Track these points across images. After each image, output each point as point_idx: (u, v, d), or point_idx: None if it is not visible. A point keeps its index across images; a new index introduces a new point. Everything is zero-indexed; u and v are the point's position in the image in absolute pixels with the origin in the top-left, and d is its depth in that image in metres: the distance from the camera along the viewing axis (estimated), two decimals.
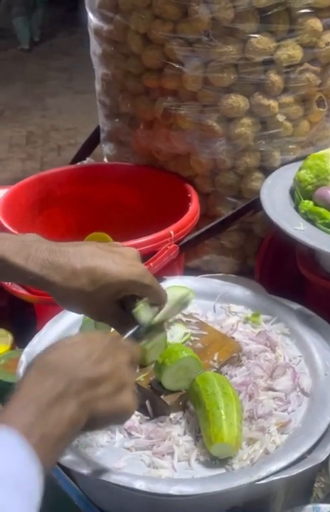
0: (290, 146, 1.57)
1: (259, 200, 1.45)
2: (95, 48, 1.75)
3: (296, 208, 1.43)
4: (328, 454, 0.93)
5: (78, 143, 2.85)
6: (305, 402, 1.03)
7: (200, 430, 0.96)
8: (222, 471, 0.92)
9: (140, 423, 0.99)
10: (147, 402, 1.00)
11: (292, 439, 0.96)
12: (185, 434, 0.98)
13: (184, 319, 1.16)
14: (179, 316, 1.17)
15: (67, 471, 0.96)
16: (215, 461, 0.93)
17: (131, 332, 0.91)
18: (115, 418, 0.79)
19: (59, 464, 0.90)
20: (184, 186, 1.64)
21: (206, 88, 1.49)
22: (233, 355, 1.09)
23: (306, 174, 1.44)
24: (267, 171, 1.59)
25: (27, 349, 1.12)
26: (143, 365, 1.03)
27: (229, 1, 1.38)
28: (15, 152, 4.18)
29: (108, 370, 0.76)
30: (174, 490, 0.86)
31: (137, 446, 0.96)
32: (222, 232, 1.65)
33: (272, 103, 1.48)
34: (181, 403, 1.01)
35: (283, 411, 1.01)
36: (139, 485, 0.87)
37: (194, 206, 1.55)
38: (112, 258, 0.89)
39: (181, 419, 1.00)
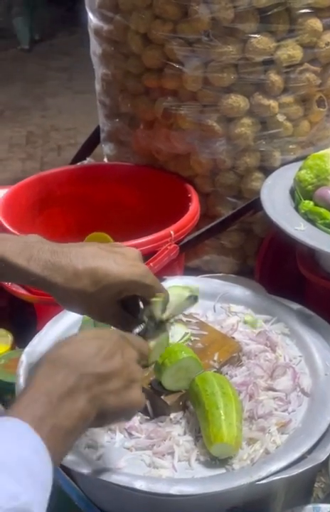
0: (290, 146, 1.57)
1: (260, 200, 1.45)
2: (95, 48, 1.75)
3: (297, 208, 1.43)
4: (328, 454, 0.93)
5: (78, 143, 2.85)
6: (305, 402, 1.03)
7: (200, 430, 0.96)
8: (223, 471, 0.92)
9: (140, 423, 0.99)
10: (147, 402, 1.00)
11: (292, 439, 0.96)
12: (185, 434, 0.98)
13: (184, 319, 1.16)
14: (179, 316, 1.18)
15: (67, 471, 0.96)
16: (216, 461, 0.93)
17: (139, 329, 0.92)
18: (123, 413, 0.80)
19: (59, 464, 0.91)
20: (184, 186, 1.64)
21: (206, 88, 1.49)
22: (233, 355, 1.09)
23: (307, 174, 1.44)
24: (267, 171, 1.59)
25: (27, 349, 1.12)
26: (145, 365, 1.03)
27: (229, 1, 1.38)
28: (15, 152, 4.18)
29: (118, 365, 0.77)
30: (174, 490, 0.86)
31: (137, 446, 0.96)
32: (222, 232, 1.65)
33: (272, 103, 1.48)
34: (181, 403, 1.01)
35: (283, 411, 1.01)
36: (140, 485, 0.87)
37: (194, 206, 1.55)
38: (113, 258, 0.89)
39: (181, 419, 1.00)
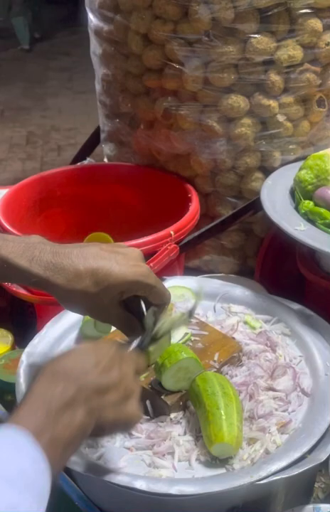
0: (290, 146, 1.57)
1: (260, 201, 1.45)
2: (95, 48, 1.75)
3: (297, 208, 1.43)
4: (328, 454, 0.93)
5: (78, 143, 2.85)
6: (305, 402, 1.03)
7: (200, 430, 0.97)
8: (223, 470, 0.92)
9: (140, 423, 0.99)
10: (148, 402, 1.00)
11: (293, 439, 0.96)
12: (185, 434, 0.98)
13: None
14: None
15: (67, 471, 0.96)
16: (216, 460, 0.93)
17: (136, 343, 0.92)
18: (121, 426, 0.80)
19: None
20: (184, 186, 1.64)
21: (206, 88, 1.49)
22: (234, 355, 1.09)
23: (307, 174, 1.44)
24: (267, 171, 1.59)
25: (27, 349, 1.12)
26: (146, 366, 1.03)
27: (229, 2, 1.38)
28: (15, 152, 4.18)
29: (116, 378, 0.77)
30: (175, 490, 0.86)
31: (138, 446, 0.96)
32: (222, 233, 1.65)
33: (272, 103, 1.48)
34: (181, 403, 1.01)
35: (283, 411, 1.01)
36: (140, 485, 0.87)
37: (194, 206, 1.55)
38: (115, 259, 0.89)
39: (181, 419, 1.00)
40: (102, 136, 1.91)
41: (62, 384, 0.72)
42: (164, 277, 1.28)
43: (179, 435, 0.97)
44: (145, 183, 1.75)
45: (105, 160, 1.95)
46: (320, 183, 1.42)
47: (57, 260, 0.87)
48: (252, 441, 0.95)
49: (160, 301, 0.95)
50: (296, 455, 0.91)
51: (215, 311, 1.25)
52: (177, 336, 1.10)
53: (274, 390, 1.04)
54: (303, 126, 1.55)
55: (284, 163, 1.59)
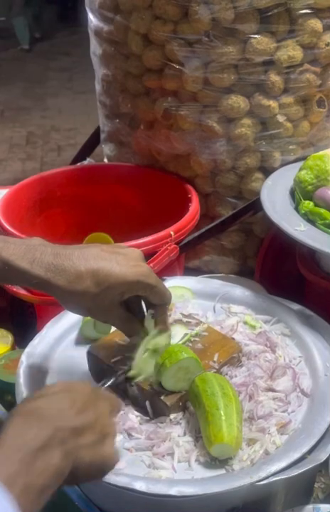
0: (290, 147, 1.57)
1: (260, 201, 1.45)
2: (95, 48, 1.75)
3: (297, 209, 1.43)
4: (328, 455, 0.93)
5: (78, 143, 2.85)
6: (305, 403, 1.03)
7: (200, 431, 0.96)
8: (223, 471, 0.92)
9: (140, 424, 0.99)
10: (147, 403, 1.00)
11: (292, 439, 0.96)
12: (185, 434, 0.98)
13: (184, 320, 1.16)
14: (179, 316, 1.18)
15: None
16: (215, 461, 0.93)
17: (110, 382, 0.93)
18: (97, 469, 0.77)
19: None
20: (184, 187, 1.64)
21: (206, 89, 1.49)
22: (233, 356, 1.09)
23: (307, 175, 1.44)
24: (267, 171, 1.59)
25: (27, 349, 1.12)
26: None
27: (229, 2, 1.38)
28: (15, 152, 4.18)
29: (91, 419, 0.75)
30: (174, 491, 0.86)
31: (137, 446, 0.96)
32: (222, 233, 1.65)
33: (272, 104, 1.48)
34: (180, 404, 1.01)
35: (283, 411, 1.01)
36: (139, 486, 0.87)
37: (194, 207, 1.55)
38: (115, 259, 0.89)
39: (181, 419, 1.00)
40: (102, 136, 1.91)
41: (36, 426, 0.69)
42: (164, 277, 1.28)
43: (179, 436, 0.97)
44: (145, 184, 1.75)
45: (105, 160, 1.95)
46: (320, 184, 1.42)
47: (58, 262, 0.87)
48: (251, 441, 0.95)
49: (161, 301, 0.96)
50: (296, 456, 0.91)
51: (214, 311, 1.25)
52: (177, 336, 1.10)
53: (273, 390, 1.04)
54: (303, 126, 1.55)
55: (284, 164, 1.59)
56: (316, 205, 1.40)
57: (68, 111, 4.91)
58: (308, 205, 1.40)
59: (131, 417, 1.00)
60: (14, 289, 1.38)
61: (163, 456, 0.95)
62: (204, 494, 0.86)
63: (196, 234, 1.56)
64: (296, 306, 1.24)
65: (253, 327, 1.18)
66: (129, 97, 1.67)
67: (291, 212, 1.42)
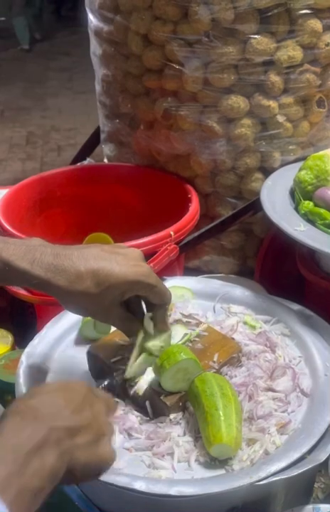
0: (290, 147, 1.57)
1: (260, 201, 1.45)
2: (95, 48, 1.75)
3: (296, 209, 1.43)
4: (328, 455, 0.93)
5: (78, 143, 2.85)
6: (305, 403, 1.03)
7: (199, 431, 0.97)
8: (222, 471, 0.92)
9: (140, 424, 0.99)
10: (147, 403, 1.00)
11: (292, 439, 0.96)
12: (185, 434, 0.98)
13: (184, 320, 1.16)
14: (179, 316, 1.18)
15: None
16: (215, 461, 0.93)
17: (106, 383, 0.93)
18: (93, 469, 0.76)
19: None
20: (184, 187, 1.64)
21: (206, 89, 1.49)
22: (233, 356, 1.09)
23: (306, 175, 1.44)
24: (267, 171, 1.59)
25: (27, 349, 1.12)
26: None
27: (229, 2, 1.38)
28: (15, 152, 4.19)
29: (87, 419, 0.74)
30: (174, 490, 0.86)
31: (137, 446, 0.96)
32: (222, 233, 1.65)
33: (272, 104, 1.48)
34: (180, 404, 1.01)
35: (283, 412, 1.01)
36: (139, 485, 0.87)
37: (194, 207, 1.55)
38: (115, 259, 0.89)
39: (180, 419, 1.00)
40: (102, 136, 1.91)
41: (31, 426, 0.68)
42: (164, 277, 1.28)
43: (179, 436, 0.97)
44: (145, 184, 1.75)
45: (105, 160, 1.96)
46: (320, 184, 1.42)
47: (58, 262, 0.87)
48: (251, 441, 0.95)
49: (161, 301, 0.96)
50: (296, 456, 0.91)
51: (214, 311, 1.25)
52: (177, 336, 1.10)
53: (273, 390, 1.04)
54: (303, 126, 1.55)
55: (283, 164, 1.59)
56: (315, 205, 1.40)
57: (68, 111, 4.91)
58: (308, 205, 1.40)
59: (131, 417, 1.00)
60: (14, 289, 1.38)
61: (163, 456, 0.95)
62: (204, 494, 0.86)
63: (196, 234, 1.56)
64: (296, 306, 1.24)
65: (253, 327, 1.18)
66: (129, 97, 1.67)
67: (291, 213, 1.42)
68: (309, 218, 1.38)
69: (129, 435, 0.98)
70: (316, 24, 1.42)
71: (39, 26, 7.19)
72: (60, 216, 1.78)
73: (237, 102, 1.48)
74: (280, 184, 1.52)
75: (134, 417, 0.99)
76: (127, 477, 0.89)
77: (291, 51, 1.43)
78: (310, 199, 1.42)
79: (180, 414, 1.00)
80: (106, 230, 1.67)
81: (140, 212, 1.77)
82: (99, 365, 1.07)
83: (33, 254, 0.88)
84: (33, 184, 1.73)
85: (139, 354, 1.00)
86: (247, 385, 1.03)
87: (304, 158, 1.51)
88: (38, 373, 1.08)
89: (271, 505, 0.97)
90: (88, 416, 0.75)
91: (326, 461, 0.94)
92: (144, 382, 1.01)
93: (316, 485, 1.17)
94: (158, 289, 0.92)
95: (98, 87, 1.82)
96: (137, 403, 1.01)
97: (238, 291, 1.28)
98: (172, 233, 1.43)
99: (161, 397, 0.99)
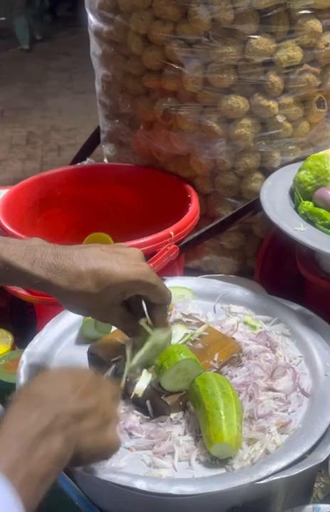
0: (290, 147, 1.57)
1: (259, 201, 1.45)
2: (95, 48, 1.75)
3: (296, 209, 1.43)
4: (328, 454, 0.93)
5: (78, 143, 2.86)
6: (305, 403, 1.04)
7: (200, 430, 0.97)
8: (223, 470, 0.92)
9: (140, 423, 0.99)
10: (148, 402, 1.00)
11: (292, 439, 0.96)
12: (185, 434, 0.98)
13: (184, 320, 1.17)
14: (179, 316, 1.18)
15: (67, 471, 0.96)
16: (216, 461, 0.93)
17: (111, 369, 0.93)
18: (99, 454, 0.77)
19: None
20: (184, 187, 1.64)
21: (206, 89, 1.49)
22: (233, 356, 1.09)
23: (306, 175, 1.44)
24: (266, 171, 1.59)
25: (27, 349, 1.12)
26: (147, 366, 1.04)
27: (229, 2, 1.38)
28: (15, 152, 4.19)
29: (93, 404, 0.75)
30: (175, 490, 0.86)
31: (138, 446, 0.96)
32: (222, 233, 1.66)
33: (272, 104, 1.48)
34: (181, 403, 1.01)
35: (283, 411, 1.01)
36: (140, 485, 0.87)
37: (194, 207, 1.55)
38: (116, 259, 0.89)
39: (181, 419, 1.00)
40: (102, 136, 1.91)
41: (37, 411, 0.69)
42: (164, 278, 1.28)
43: (179, 435, 0.97)
44: (145, 184, 1.75)
45: (105, 160, 1.96)
46: (320, 184, 1.42)
47: (59, 262, 0.88)
48: (251, 441, 0.95)
49: (161, 301, 0.96)
50: (296, 455, 0.92)
51: (215, 311, 1.25)
52: (177, 336, 1.10)
53: (274, 390, 1.04)
54: (302, 126, 1.55)
55: (283, 164, 1.59)
56: (315, 205, 1.40)
57: (68, 111, 4.92)
58: (307, 205, 1.40)
59: (132, 416, 1.00)
60: (14, 289, 1.38)
61: (164, 455, 0.95)
62: (204, 493, 0.86)
63: (196, 234, 1.56)
64: (296, 307, 1.24)
65: (253, 327, 1.19)
66: (128, 98, 1.68)
67: (290, 213, 1.42)
68: (309, 218, 1.39)
69: (130, 434, 0.98)
70: (315, 24, 1.42)
71: (39, 26, 7.19)
72: (60, 216, 1.79)
73: (237, 102, 1.48)
74: (280, 184, 1.52)
75: (134, 417, 1.00)
76: (128, 476, 0.89)
77: (291, 51, 1.43)
78: (310, 199, 1.42)
79: (180, 414, 1.00)
80: (106, 230, 1.67)
81: (140, 212, 1.77)
82: (100, 364, 1.07)
83: (34, 254, 0.88)
84: (33, 184, 1.73)
85: (135, 354, 1.00)
86: (248, 384, 1.04)
87: (303, 159, 1.52)
88: (39, 373, 1.07)
89: (271, 505, 0.97)
90: (94, 401, 0.75)
91: (326, 461, 0.94)
92: (144, 382, 1.01)
93: (316, 485, 1.17)
94: (159, 289, 0.93)
95: (98, 87, 1.82)
96: (138, 402, 1.02)
97: (238, 291, 1.28)
98: (172, 233, 1.43)
99: (162, 397, 0.99)
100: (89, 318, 1.12)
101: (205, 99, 1.51)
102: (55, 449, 0.68)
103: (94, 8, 1.66)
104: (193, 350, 1.04)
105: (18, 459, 0.64)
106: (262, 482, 0.88)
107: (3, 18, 7.23)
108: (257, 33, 1.41)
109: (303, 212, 1.39)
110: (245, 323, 1.20)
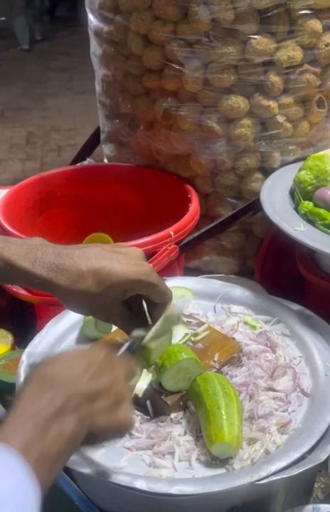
0: (290, 147, 1.57)
1: (259, 201, 1.45)
2: (95, 48, 1.75)
3: (296, 209, 1.43)
4: (328, 454, 0.93)
5: (78, 143, 2.86)
6: (305, 403, 1.04)
7: (200, 430, 0.97)
8: (223, 470, 0.92)
9: (141, 423, 1.00)
10: (148, 402, 1.00)
11: (292, 439, 0.96)
12: (185, 433, 0.98)
13: (185, 320, 1.17)
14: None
15: (67, 471, 0.96)
16: (216, 460, 0.93)
17: (126, 346, 0.92)
18: (113, 433, 0.78)
19: None
20: (184, 187, 1.64)
21: (206, 89, 1.50)
22: (234, 356, 1.09)
23: (306, 175, 1.44)
24: (267, 171, 1.59)
25: (28, 349, 1.12)
26: (146, 366, 1.03)
27: (229, 2, 1.38)
28: (15, 152, 4.19)
29: (106, 384, 0.75)
30: (175, 489, 0.86)
31: (138, 445, 0.96)
32: (222, 233, 1.66)
33: (272, 104, 1.48)
34: (181, 403, 1.01)
35: (283, 411, 1.01)
36: (140, 484, 0.87)
37: (194, 207, 1.55)
38: (116, 258, 0.89)
39: (181, 419, 1.00)
40: (102, 136, 1.91)
41: (50, 392, 0.70)
42: (164, 278, 1.28)
43: (179, 435, 0.97)
44: (145, 184, 1.75)
45: (105, 160, 1.96)
46: (320, 184, 1.42)
47: (60, 261, 0.88)
48: (252, 441, 0.95)
49: (162, 300, 0.96)
50: (296, 455, 0.92)
51: (215, 311, 1.25)
52: (177, 336, 1.10)
53: (274, 390, 1.04)
54: (302, 126, 1.55)
55: (283, 164, 1.59)
56: (315, 205, 1.40)
57: (68, 111, 4.92)
58: (307, 205, 1.40)
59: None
60: (14, 289, 1.38)
61: (164, 455, 0.95)
62: (204, 493, 0.86)
63: (196, 234, 1.56)
64: (296, 307, 1.24)
65: (253, 327, 1.19)
66: (129, 98, 1.68)
67: (290, 213, 1.42)
68: (309, 218, 1.39)
69: (130, 434, 0.98)
70: (315, 24, 1.42)
71: (39, 26, 7.19)
72: (60, 216, 1.79)
73: (237, 102, 1.48)
74: (280, 184, 1.52)
75: (134, 417, 1.00)
76: (128, 476, 0.89)
77: (291, 51, 1.43)
78: (310, 199, 1.42)
79: (180, 414, 1.01)
80: (106, 230, 1.67)
81: (140, 213, 1.77)
82: None
83: (35, 253, 0.89)
84: (33, 184, 1.73)
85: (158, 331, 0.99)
86: (248, 384, 1.04)
87: (303, 159, 1.52)
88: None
89: (271, 505, 0.97)
90: (106, 381, 0.76)
91: (326, 461, 0.94)
92: (144, 381, 1.01)
93: (316, 485, 1.17)
94: (160, 288, 0.93)
95: (98, 87, 1.82)
96: (138, 402, 1.02)
97: (238, 291, 1.28)
98: (172, 233, 1.43)
99: (162, 397, 0.99)
100: (90, 317, 1.12)
101: (205, 99, 1.51)
102: (68, 429, 0.69)
103: (94, 8, 1.66)
104: (193, 350, 1.04)
105: (31, 439, 0.65)
106: (262, 482, 0.88)
107: (3, 18, 7.24)
108: (257, 33, 1.41)
109: (303, 212, 1.39)
110: (245, 323, 1.20)
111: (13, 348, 1.38)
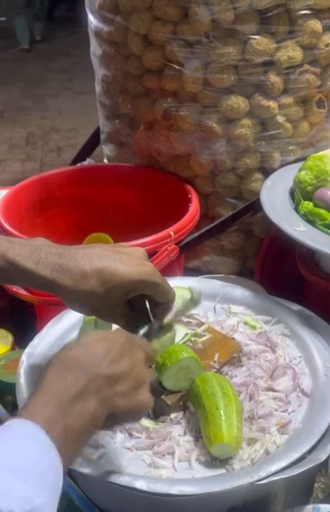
0: (290, 147, 1.57)
1: (259, 201, 1.45)
2: (95, 49, 1.75)
3: (296, 209, 1.43)
4: (328, 454, 0.93)
5: (78, 144, 2.86)
6: (305, 403, 1.04)
7: (200, 430, 0.97)
8: (223, 471, 0.92)
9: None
10: None
11: (292, 439, 0.96)
12: (185, 434, 0.98)
13: (185, 320, 1.17)
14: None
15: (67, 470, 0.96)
16: (216, 461, 0.93)
17: (144, 330, 0.93)
18: (132, 414, 0.81)
19: None
20: (184, 187, 1.64)
21: (206, 89, 1.50)
22: (234, 356, 1.09)
23: (306, 175, 1.44)
24: (267, 172, 1.59)
25: (27, 349, 1.12)
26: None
27: (229, 3, 1.38)
28: (15, 153, 4.19)
29: (126, 367, 0.78)
30: (175, 490, 0.86)
31: (138, 446, 0.96)
32: (222, 233, 1.66)
33: (272, 104, 1.48)
34: (181, 403, 1.01)
35: (283, 411, 1.01)
36: (140, 485, 0.87)
37: (194, 207, 1.55)
38: (119, 258, 0.89)
39: (181, 419, 1.00)
40: (102, 137, 1.91)
41: (72, 375, 0.73)
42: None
43: (179, 435, 0.97)
44: (145, 184, 1.75)
45: (105, 161, 1.96)
46: (320, 184, 1.42)
47: (63, 261, 0.88)
48: (252, 441, 0.95)
49: (165, 300, 0.96)
50: (296, 455, 0.92)
51: (215, 311, 1.25)
52: (177, 336, 1.10)
53: (274, 390, 1.04)
54: (302, 127, 1.55)
55: (283, 164, 1.59)
56: (315, 205, 1.40)
57: (68, 111, 4.91)
58: (307, 205, 1.40)
59: None
60: (14, 289, 1.38)
61: (164, 455, 0.95)
62: (204, 493, 0.86)
63: (196, 234, 1.56)
64: (296, 307, 1.24)
65: (253, 327, 1.19)
66: (128, 98, 1.68)
67: (290, 213, 1.42)
68: (309, 219, 1.39)
69: (130, 434, 0.98)
70: (315, 25, 1.42)
71: (39, 27, 7.18)
72: (60, 216, 1.79)
73: (237, 102, 1.48)
74: (280, 184, 1.52)
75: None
76: (128, 476, 0.89)
77: (291, 52, 1.43)
78: (310, 199, 1.42)
79: (180, 414, 1.01)
80: (106, 230, 1.67)
81: (140, 213, 1.77)
82: None
83: (38, 254, 0.89)
84: (32, 185, 1.73)
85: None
86: (248, 384, 1.04)
87: (303, 159, 1.52)
88: (39, 373, 1.07)
89: (271, 505, 0.97)
90: (127, 365, 0.78)
91: (326, 461, 0.94)
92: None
93: (316, 485, 1.17)
94: (163, 288, 0.93)
95: (98, 88, 1.82)
96: None
97: (238, 291, 1.28)
98: (172, 233, 1.43)
99: (162, 397, 0.99)
100: (90, 318, 1.12)
101: (205, 100, 1.51)
102: (90, 410, 0.71)
103: (94, 9, 1.66)
104: (193, 350, 1.04)
105: (56, 415, 0.68)
106: (262, 482, 0.88)
107: (3, 18, 7.23)
108: (257, 33, 1.41)
109: (303, 212, 1.39)
110: (245, 323, 1.20)
111: (13, 348, 1.38)
